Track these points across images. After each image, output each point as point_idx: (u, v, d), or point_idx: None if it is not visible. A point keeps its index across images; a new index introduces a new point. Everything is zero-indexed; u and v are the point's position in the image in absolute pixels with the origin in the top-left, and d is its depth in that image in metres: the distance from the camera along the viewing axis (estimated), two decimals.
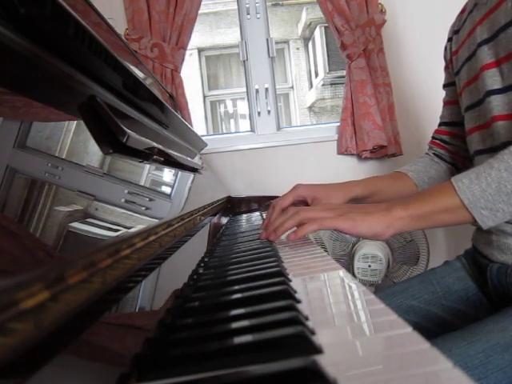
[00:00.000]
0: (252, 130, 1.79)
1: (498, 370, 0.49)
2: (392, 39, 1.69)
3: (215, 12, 5.61)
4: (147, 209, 0.42)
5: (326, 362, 0.22)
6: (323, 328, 0.28)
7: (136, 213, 0.39)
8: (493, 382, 0.48)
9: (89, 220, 0.29)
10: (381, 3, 1.63)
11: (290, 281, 0.40)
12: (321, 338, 0.26)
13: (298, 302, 0.33)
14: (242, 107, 5.82)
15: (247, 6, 1.72)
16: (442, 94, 0.89)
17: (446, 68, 0.86)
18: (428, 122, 1.64)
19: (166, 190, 0.57)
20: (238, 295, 0.36)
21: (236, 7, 1.75)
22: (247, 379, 0.22)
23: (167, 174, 0.59)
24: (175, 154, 0.59)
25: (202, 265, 0.53)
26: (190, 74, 5.23)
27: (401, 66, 1.70)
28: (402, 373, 0.21)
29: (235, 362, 0.23)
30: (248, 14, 1.72)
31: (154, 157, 0.47)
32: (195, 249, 0.57)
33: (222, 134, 4.06)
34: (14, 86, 0.26)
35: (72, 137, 0.32)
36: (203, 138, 1.17)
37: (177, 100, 1.56)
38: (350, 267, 1.44)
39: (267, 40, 1.73)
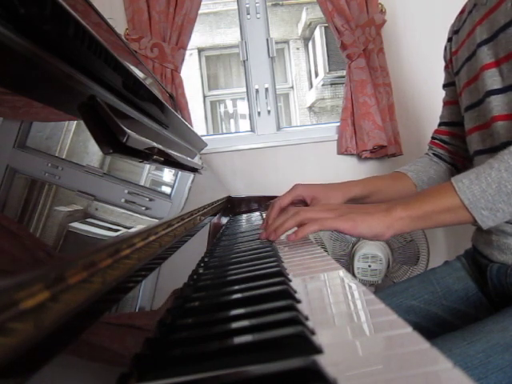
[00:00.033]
0: (252, 130, 1.79)
1: (498, 370, 0.49)
2: (392, 39, 1.69)
3: (215, 12, 5.61)
4: (147, 209, 0.42)
5: (326, 362, 0.22)
6: (323, 328, 0.28)
7: (136, 213, 0.39)
8: (493, 382, 0.48)
9: (89, 220, 0.29)
10: (381, 3, 1.63)
11: (290, 281, 0.40)
12: (321, 338, 0.26)
13: (298, 302, 0.33)
14: (242, 107, 5.82)
15: (247, 5, 1.72)
16: (441, 94, 0.89)
17: (446, 68, 0.86)
18: (428, 122, 1.64)
19: (166, 190, 0.57)
20: (238, 295, 0.36)
21: (236, 7, 1.76)
22: (247, 379, 0.22)
23: (167, 174, 0.59)
24: (175, 154, 0.59)
25: (202, 265, 0.53)
26: (190, 74, 5.23)
27: (401, 66, 1.70)
28: (402, 373, 0.21)
29: (235, 362, 0.23)
30: (248, 14, 1.72)
31: (154, 157, 0.48)
32: (195, 249, 0.57)
33: (222, 134, 4.06)
34: (14, 85, 0.26)
35: (72, 137, 0.32)
36: (203, 138, 1.17)
37: (177, 100, 1.56)
38: (349, 267, 1.44)
39: (267, 40, 1.73)
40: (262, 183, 1.71)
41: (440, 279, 0.76)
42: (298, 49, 6.26)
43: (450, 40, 0.83)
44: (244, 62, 1.76)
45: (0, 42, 0.24)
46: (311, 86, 6.24)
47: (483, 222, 0.53)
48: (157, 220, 0.42)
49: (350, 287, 0.38)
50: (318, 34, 5.69)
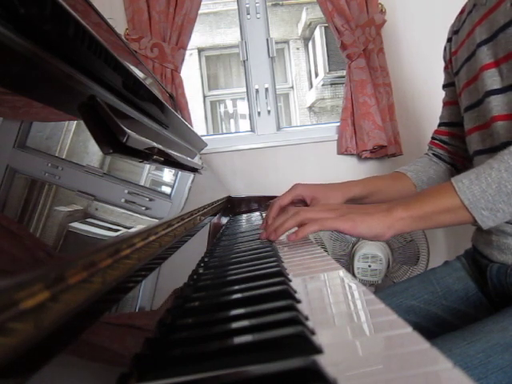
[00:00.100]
0: (252, 130, 1.79)
1: (498, 370, 0.49)
2: (392, 39, 1.69)
3: (215, 12, 5.61)
4: (147, 209, 0.42)
5: (326, 362, 0.22)
6: (323, 328, 0.28)
7: (136, 213, 0.39)
8: (493, 382, 0.48)
9: (89, 220, 0.29)
10: (381, 3, 1.63)
11: (290, 281, 0.40)
12: (321, 338, 0.26)
13: (298, 302, 0.33)
14: (242, 107, 5.82)
15: (247, 6, 1.72)
16: (441, 94, 0.89)
17: (446, 68, 0.86)
18: (428, 122, 1.64)
19: (166, 190, 0.57)
20: (238, 295, 0.36)
21: (236, 7, 1.76)
22: (247, 379, 0.22)
23: (167, 174, 0.59)
24: (175, 154, 0.59)
25: (202, 265, 0.53)
26: (190, 74, 5.23)
27: (401, 66, 1.70)
28: (402, 373, 0.21)
29: (235, 362, 0.23)
30: (248, 14, 1.73)
31: (154, 157, 0.48)
32: (195, 249, 0.57)
33: (222, 134, 4.06)
34: (14, 85, 0.26)
35: (72, 137, 0.32)
36: (203, 138, 1.17)
37: (177, 100, 1.56)
38: (350, 267, 1.44)
39: (267, 40, 1.73)
40: (261, 183, 1.71)
41: (440, 279, 0.76)
42: (298, 49, 6.26)
43: (449, 40, 0.83)
44: (244, 62, 1.76)
45: (0, 42, 0.24)
46: (311, 86, 6.24)
47: (483, 222, 0.53)
48: (157, 220, 0.42)
49: (350, 287, 0.38)
50: (318, 34, 5.69)
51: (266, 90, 1.74)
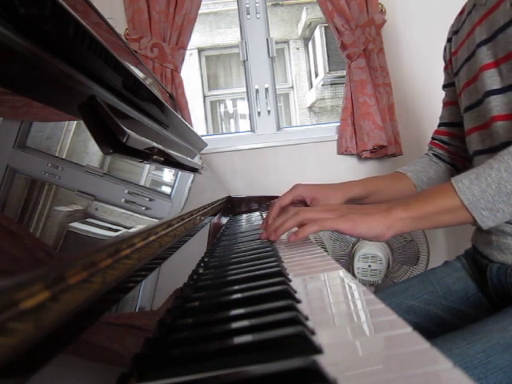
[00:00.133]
0: (252, 130, 1.79)
1: (498, 370, 0.49)
2: (392, 39, 1.69)
3: (215, 12, 5.61)
4: (147, 209, 0.42)
5: (326, 362, 0.22)
6: (323, 328, 0.28)
7: (136, 213, 0.39)
8: (493, 382, 0.48)
9: (89, 220, 0.29)
10: (381, 3, 1.63)
11: (290, 281, 0.40)
12: (321, 338, 0.26)
13: (298, 301, 0.33)
14: (242, 107, 5.82)
15: (247, 6, 1.72)
16: (441, 94, 0.89)
17: (446, 69, 0.86)
18: (428, 122, 1.64)
19: (166, 190, 0.57)
20: (238, 295, 0.36)
21: (236, 7, 1.76)
22: (247, 379, 0.22)
23: (167, 174, 0.59)
24: (175, 154, 0.59)
25: (202, 265, 0.53)
26: (190, 74, 5.23)
27: (401, 66, 1.70)
28: (402, 373, 0.21)
29: (235, 362, 0.23)
30: (248, 14, 1.73)
31: (154, 157, 0.48)
32: (195, 249, 0.57)
33: (222, 134, 4.06)
34: (14, 85, 0.26)
35: (72, 137, 0.32)
36: (203, 138, 1.17)
37: (177, 100, 1.56)
38: (350, 267, 1.44)
39: (267, 40, 1.73)
40: (261, 183, 1.71)
41: (440, 279, 0.76)
42: (298, 49, 6.26)
43: (449, 40, 0.83)
44: (244, 61, 1.76)
45: (0, 42, 0.24)
46: (311, 86, 6.24)
47: (483, 223, 0.53)
48: (157, 220, 0.42)
49: (350, 287, 0.38)
50: (318, 34, 5.69)
51: (266, 90, 1.74)
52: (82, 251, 0.25)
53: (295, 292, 0.36)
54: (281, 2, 6.02)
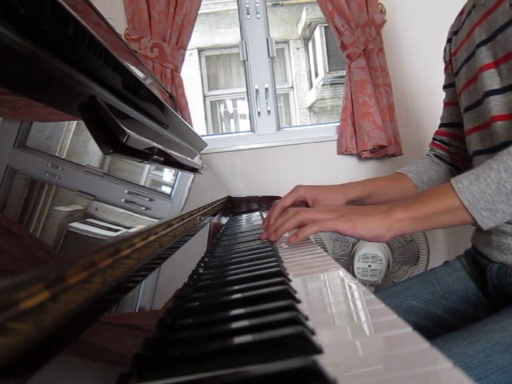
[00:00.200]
0: (252, 130, 1.79)
1: (498, 370, 0.49)
2: (392, 39, 1.69)
3: (215, 12, 5.60)
4: (147, 209, 0.42)
5: (326, 362, 0.22)
6: (323, 328, 0.28)
7: (136, 213, 0.39)
8: (493, 382, 0.48)
9: (89, 220, 0.29)
10: (381, 3, 1.63)
11: (290, 281, 0.40)
12: (321, 338, 0.26)
13: (298, 301, 0.33)
14: (242, 107, 5.82)
15: (247, 6, 1.72)
16: (441, 94, 0.90)
17: (446, 69, 0.86)
18: (428, 122, 1.64)
19: (166, 190, 0.57)
20: (238, 295, 0.36)
21: (236, 7, 1.76)
22: (247, 379, 0.22)
23: (167, 174, 0.59)
24: (175, 154, 0.59)
25: (202, 265, 0.53)
26: (190, 74, 5.23)
27: (401, 66, 1.70)
28: (402, 373, 0.21)
29: (235, 362, 0.23)
30: (248, 14, 1.73)
31: (154, 157, 0.48)
32: (195, 249, 0.57)
33: (222, 134, 4.06)
34: (14, 85, 0.26)
35: (72, 137, 0.32)
36: (203, 138, 1.17)
37: (177, 100, 1.56)
38: (350, 267, 1.44)
39: (267, 40, 1.73)
40: (261, 183, 1.71)
41: (440, 279, 0.76)
42: (298, 49, 6.26)
43: (449, 41, 0.83)
44: (244, 61, 1.76)
45: (0, 42, 0.24)
46: (311, 86, 6.24)
47: (483, 223, 0.53)
48: (157, 220, 0.42)
49: (350, 287, 0.38)
50: (318, 34, 5.69)
51: (266, 90, 1.74)
52: (82, 251, 0.25)
53: (295, 292, 0.36)
54: (281, 2, 6.02)
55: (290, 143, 1.72)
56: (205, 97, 5.72)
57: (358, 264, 1.40)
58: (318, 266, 0.47)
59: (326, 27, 5.32)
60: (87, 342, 0.21)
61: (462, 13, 0.79)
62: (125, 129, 0.35)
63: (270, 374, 0.22)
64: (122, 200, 0.37)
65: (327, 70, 5.69)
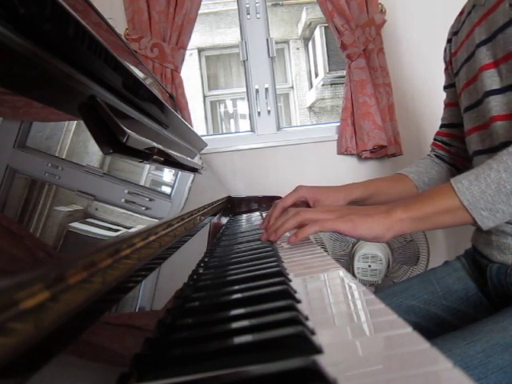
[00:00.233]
0: (252, 130, 1.79)
1: (498, 370, 0.49)
2: (392, 39, 1.69)
3: (215, 12, 5.60)
4: (147, 209, 0.42)
5: (326, 362, 0.22)
6: (323, 328, 0.28)
7: (136, 213, 0.39)
8: (493, 382, 0.48)
9: (89, 220, 0.29)
10: (381, 3, 1.63)
11: (290, 281, 0.40)
12: (321, 338, 0.26)
13: (298, 301, 0.33)
14: (242, 107, 5.82)
15: (247, 6, 1.72)
16: (441, 94, 0.90)
17: (446, 70, 0.86)
18: (428, 123, 1.64)
19: (166, 190, 0.57)
20: (238, 295, 0.36)
21: (236, 7, 1.75)
22: (247, 379, 0.22)
23: (167, 174, 0.59)
24: (175, 154, 0.59)
25: (202, 265, 0.53)
26: (190, 74, 5.23)
27: (401, 66, 1.70)
28: (402, 373, 0.21)
29: (235, 362, 0.23)
30: (248, 14, 1.72)
31: (154, 157, 0.48)
32: (195, 249, 0.57)
33: (222, 134, 4.06)
34: (14, 85, 0.26)
35: (72, 137, 0.32)
36: (203, 138, 1.17)
37: (177, 100, 1.56)
38: (349, 267, 1.44)
39: (267, 40, 1.73)
40: (261, 183, 1.71)
41: (440, 279, 0.76)
42: (298, 49, 6.26)
43: (449, 41, 0.83)
44: (244, 62, 1.76)
45: (0, 42, 0.24)
46: (311, 86, 6.24)
47: (483, 223, 0.53)
48: (157, 220, 0.42)
49: (350, 287, 0.38)
50: (318, 34, 5.69)
51: (266, 90, 1.74)
52: (82, 251, 0.25)
53: (295, 292, 0.36)
54: (281, 2, 6.02)
55: (289, 143, 1.72)
56: (205, 97, 5.72)
57: (358, 264, 1.40)
58: (318, 266, 0.47)
59: (326, 27, 5.32)
60: (87, 342, 0.21)
61: (461, 13, 0.79)
62: (125, 129, 0.35)
63: (270, 374, 0.22)
64: (122, 200, 0.37)
65: (327, 70, 5.69)
